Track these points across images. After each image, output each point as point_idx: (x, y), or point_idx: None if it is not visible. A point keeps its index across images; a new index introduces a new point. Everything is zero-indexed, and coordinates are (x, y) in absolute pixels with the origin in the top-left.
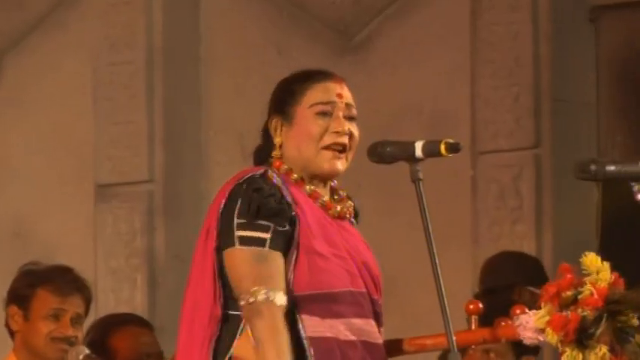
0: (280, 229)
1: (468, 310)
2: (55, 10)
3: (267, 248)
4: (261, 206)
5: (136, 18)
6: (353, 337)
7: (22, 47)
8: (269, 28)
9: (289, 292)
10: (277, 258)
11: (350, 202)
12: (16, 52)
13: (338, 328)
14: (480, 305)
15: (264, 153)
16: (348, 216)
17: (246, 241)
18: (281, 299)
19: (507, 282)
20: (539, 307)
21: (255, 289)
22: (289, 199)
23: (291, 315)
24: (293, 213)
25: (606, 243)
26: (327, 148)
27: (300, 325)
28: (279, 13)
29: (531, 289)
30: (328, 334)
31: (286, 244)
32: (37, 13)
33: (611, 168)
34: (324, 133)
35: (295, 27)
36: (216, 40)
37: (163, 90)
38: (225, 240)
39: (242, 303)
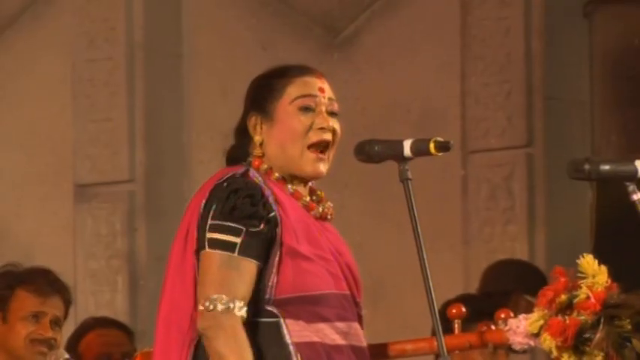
0: (253, 230)
1: (451, 314)
2: (31, 6)
3: (235, 254)
4: (235, 207)
5: (116, 12)
6: (340, 342)
7: None
8: (254, 23)
9: (272, 295)
10: (246, 265)
11: (329, 202)
12: None
13: (324, 332)
14: (463, 309)
15: (239, 152)
16: (329, 217)
17: (214, 245)
18: (241, 310)
19: (505, 288)
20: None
21: (215, 296)
22: (271, 199)
23: (275, 320)
24: (274, 213)
25: (600, 244)
26: (311, 146)
27: (285, 331)
28: (264, 8)
29: (528, 297)
30: (315, 339)
31: (263, 246)
32: (12, 9)
33: (606, 167)
34: (308, 130)
35: (281, 23)
36: (200, 35)
37: (144, 87)
38: (200, 242)
39: (200, 308)
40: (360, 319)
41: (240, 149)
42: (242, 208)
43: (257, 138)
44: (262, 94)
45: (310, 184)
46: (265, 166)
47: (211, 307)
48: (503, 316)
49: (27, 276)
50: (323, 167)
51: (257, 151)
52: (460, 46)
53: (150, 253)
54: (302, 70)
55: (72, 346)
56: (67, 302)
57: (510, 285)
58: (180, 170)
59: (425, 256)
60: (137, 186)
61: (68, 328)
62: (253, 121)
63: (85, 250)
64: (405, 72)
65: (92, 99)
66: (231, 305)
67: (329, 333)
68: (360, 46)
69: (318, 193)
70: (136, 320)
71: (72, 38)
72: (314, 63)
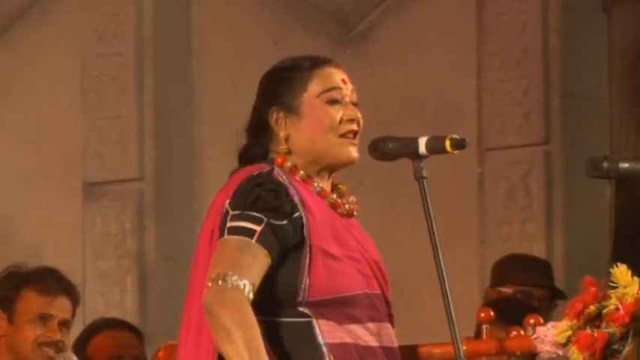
0: (275, 222)
1: (480, 318)
2: (39, 0)
3: (253, 241)
4: (258, 198)
5: (125, 7)
6: (372, 343)
7: (5, 39)
8: (265, 18)
9: (305, 297)
10: (260, 254)
11: (352, 197)
12: (0, 43)
13: (356, 334)
14: (492, 314)
15: (256, 151)
16: (355, 213)
17: (233, 231)
18: (249, 293)
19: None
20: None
21: (226, 273)
22: (296, 199)
23: (307, 320)
24: (299, 214)
25: (619, 242)
26: (342, 136)
27: (318, 331)
28: (276, 2)
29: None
30: (347, 340)
31: (280, 243)
32: (19, 4)
33: (625, 165)
34: (339, 122)
35: (293, 17)
36: (210, 30)
37: (154, 83)
38: (220, 234)
39: (208, 284)
40: (391, 319)
41: (257, 147)
42: (266, 200)
43: (282, 134)
44: (283, 88)
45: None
46: (289, 164)
47: (220, 282)
48: (532, 322)
49: (33, 276)
50: (356, 152)
51: (282, 147)
52: (476, 41)
53: (159, 252)
54: (320, 62)
55: (80, 347)
56: (75, 302)
57: (505, 274)
58: (190, 167)
59: (441, 256)
60: (147, 184)
61: (76, 329)
62: (275, 116)
63: (94, 250)
64: (419, 68)
65: (101, 95)
66: (241, 285)
67: (361, 334)
68: (374, 42)
69: (340, 187)
70: (145, 321)
71: (80, 33)
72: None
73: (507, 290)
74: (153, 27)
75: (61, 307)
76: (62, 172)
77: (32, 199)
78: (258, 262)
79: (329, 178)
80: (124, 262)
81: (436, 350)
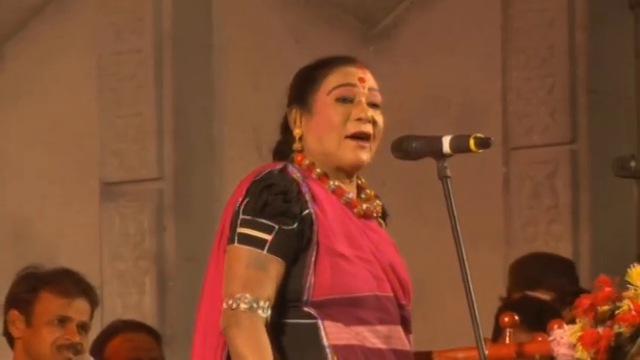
0: (286, 228)
1: (503, 322)
2: None
3: (264, 252)
4: (267, 204)
5: (143, 3)
6: (380, 345)
7: (21, 35)
8: (286, 14)
9: (310, 296)
10: (273, 264)
11: (378, 201)
12: (16, 41)
13: (364, 335)
14: (516, 318)
15: (284, 148)
16: (375, 215)
17: (244, 240)
18: (265, 311)
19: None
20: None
21: (239, 295)
22: (308, 196)
23: (312, 321)
24: (308, 211)
25: None
26: (350, 137)
27: (323, 333)
28: None
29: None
30: (354, 342)
31: (293, 245)
32: (35, 0)
33: None
34: (345, 121)
35: (314, 13)
36: (231, 26)
37: (173, 80)
38: (230, 236)
39: (224, 306)
40: (405, 323)
41: (283, 145)
42: (274, 205)
43: (296, 132)
44: (302, 86)
45: (359, 182)
46: (307, 162)
47: (234, 305)
48: (556, 327)
49: (51, 277)
50: (364, 155)
51: (297, 146)
52: (501, 38)
53: (179, 253)
54: (343, 60)
55: (97, 350)
56: (94, 304)
57: (538, 278)
58: (210, 166)
59: (465, 257)
60: (166, 183)
61: (94, 332)
62: (293, 114)
63: (111, 251)
64: (444, 66)
65: (119, 93)
66: (254, 305)
67: (369, 336)
68: (398, 39)
69: (367, 191)
70: (164, 323)
71: (98, 30)
72: (344, 54)
73: (543, 296)
74: (172, 23)
75: (79, 309)
76: (79, 172)
77: (49, 199)
78: (270, 274)
79: (351, 178)
80: (142, 263)
81: (460, 355)
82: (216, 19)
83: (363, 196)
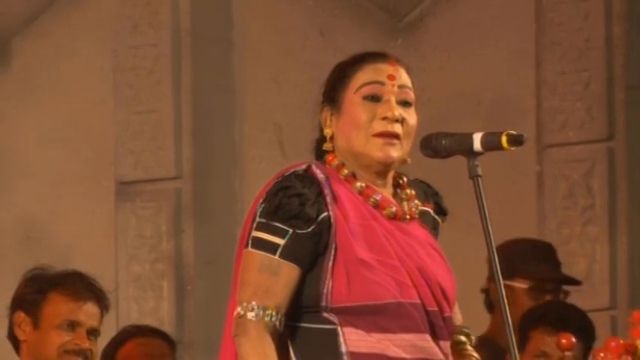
0: (300, 232)
1: (561, 345)
2: None
3: (276, 257)
4: (280, 206)
5: None
6: (404, 355)
7: (33, 29)
8: (310, 6)
9: (328, 302)
10: (286, 269)
11: (416, 201)
12: (27, 35)
13: (386, 344)
14: (573, 340)
15: (319, 147)
16: (408, 217)
17: (257, 244)
18: (272, 318)
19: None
20: None
21: (246, 303)
22: (329, 198)
23: (332, 327)
24: (326, 214)
25: None
26: (377, 135)
27: (342, 340)
28: None
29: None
30: (374, 351)
31: (308, 249)
32: None
33: None
34: (372, 120)
35: (340, 5)
36: (251, 20)
37: (192, 76)
38: (246, 240)
39: (235, 313)
40: (435, 330)
41: (319, 143)
42: (288, 207)
43: (327, 131)
44: (333, 83)
45: (400, 180)
46: (337, 162)
47: (242, 312)
48: (564, 341)
49: (60, 279)
50: (394, 152)
51: (327, 146)
52: (535, 31)
53: (198, 256)
54: (375, 57)
55: (109, 355)
56: (104, 309)
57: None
58: (230, 166)
59: (497, 260)
60: (184, 183)
61: (108, 337)
62: (324, 113)
63: (127, 253)
64: (474, 59)
65: (135, 89)
66: (261, 313)
67: (392, 345)
68: (426, 32)
69: (408, 191)
70: (182, 329)
71: (113, 23)
72: (375, 49)
73: (521, 285)
74: (190, 16)
75: (89, 314)
76: (94, 171)
77: (62, 199)
78: (282, 280)
79: (384, 178)
80: (159, 266)
81: None
82: (236, 13)
83: (403, 196)
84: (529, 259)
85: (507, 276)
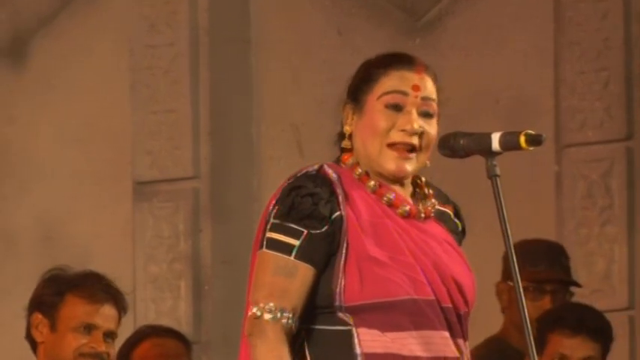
0: (315, 232)
1: None
2: None
3: (292, 258)
4: (293, 207)
5: None
6: (419, 353)
7: (50, 29)
8: (328, 5)
9: (341, 301)
10: (301, 270)
11: (433, 200)
12: (44, 35)
13: (401, 342)
14: None
15: (340, 144)
16: (423, 215)
17: (272, 245)
18: (288, 320)
19: None
20: None
21: (262, 305)
22: (341, 197)
23: (346, 328)
24: (338, 213)
25: None
26: (391, 145)
27: (356, 340)
28: None
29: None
30: (389, 351)
31: (323, 249)
32: None
33: None
34: (390, 129)
35: (358, 4)
36: (269, 19)
37: (209, 75)
38: (260, 241)
39: (249, 313)
40: (453, 327)
41: (340, 140)
42: (301, 207)
43: (346, 129)
44: (358, 82)
45: (418, 180)
46: (351, 161)
47: (258, 313)
48: None
49: (78, 280)
50: (408, 165)
51: (345, 143)
52: (553, 30)
53: (215, 256)
54: (402, 62)
55: (124, 355)
56: (122, 312)
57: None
58: (248, 166)
59: (515, 260)
60: (202, 183)
61: (125, 338)
62: (346, 110)
63: (145, 253)
64: (493, 59)
65: (152, 89)
66: (279, 315)
67: (406, 343)
68: (444, 31)
69: (425, 190)
70: (199, 330)
71: (130, 23)
72: (393, 49)
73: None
74: (208, 15)
75: (107, 316)
76: (111, 171)
77: (79, 199)
78: (297, 281)
79: (400, 181)
80: (176, 266)
81: None
82: (254, 12)
83: (422, 195)
84: (526, 261)
85: (505, 278)
